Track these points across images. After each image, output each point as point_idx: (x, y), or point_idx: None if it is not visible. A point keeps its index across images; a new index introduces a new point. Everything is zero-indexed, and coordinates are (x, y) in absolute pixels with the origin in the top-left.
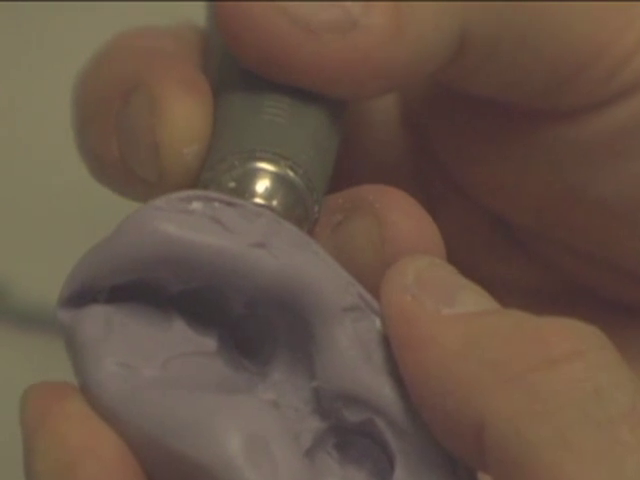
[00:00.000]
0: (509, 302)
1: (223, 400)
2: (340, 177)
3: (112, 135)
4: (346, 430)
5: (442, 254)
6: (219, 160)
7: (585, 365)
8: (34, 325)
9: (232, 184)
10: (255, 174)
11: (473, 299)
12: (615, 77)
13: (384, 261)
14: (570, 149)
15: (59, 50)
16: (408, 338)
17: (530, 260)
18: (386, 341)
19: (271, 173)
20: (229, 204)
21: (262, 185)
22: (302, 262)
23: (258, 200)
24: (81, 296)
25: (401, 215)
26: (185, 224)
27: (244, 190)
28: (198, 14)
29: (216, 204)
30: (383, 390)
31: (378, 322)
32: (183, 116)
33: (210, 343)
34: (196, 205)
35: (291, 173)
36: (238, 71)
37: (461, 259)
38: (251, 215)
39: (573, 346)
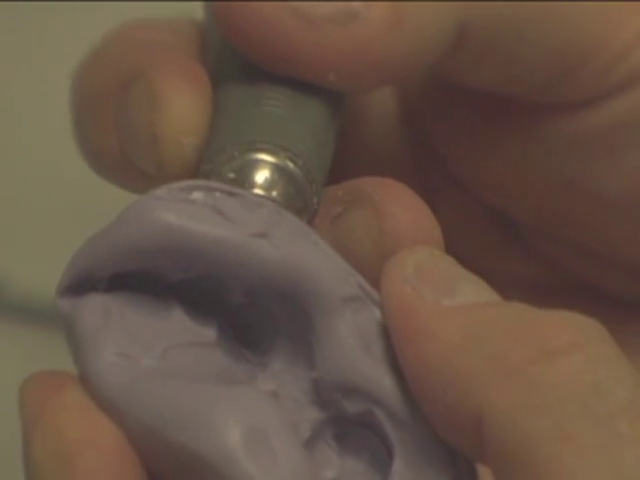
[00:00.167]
0: (508, 296)
1: (223, 391)
2: (339, 170)
3: (111, 127)
4: (345, 421)
5: (441, 246)
6: (219, 151)
7: (585, 358)
8: (32, 318)
9: (232, 175)
10: (255, 165)
11: (473, 290)
12: (614, 71)
13: (383, 253)
14: (569, 143)
15: (59, 50)
16: (408, 330)
17: (529, 254)
18: (386, 332)
19: (271, 164)
20: (230, 194)
21: (262, 176)
22: (303, 252)
23: (258, 191)
24: (80, 285)
25: (400, 207)
26: (186, 214)
27: (244, 181)
28: (198, 14)
29: (217, 194)
30: (383, 381)
31: (378, 313)
32: (182, 108)
33: (209, 333)
34: (197, 195)
35: (291, 164)
36: (237, 63)
37: (460, 253)
38: (252, 205)
39: (573, 339)
